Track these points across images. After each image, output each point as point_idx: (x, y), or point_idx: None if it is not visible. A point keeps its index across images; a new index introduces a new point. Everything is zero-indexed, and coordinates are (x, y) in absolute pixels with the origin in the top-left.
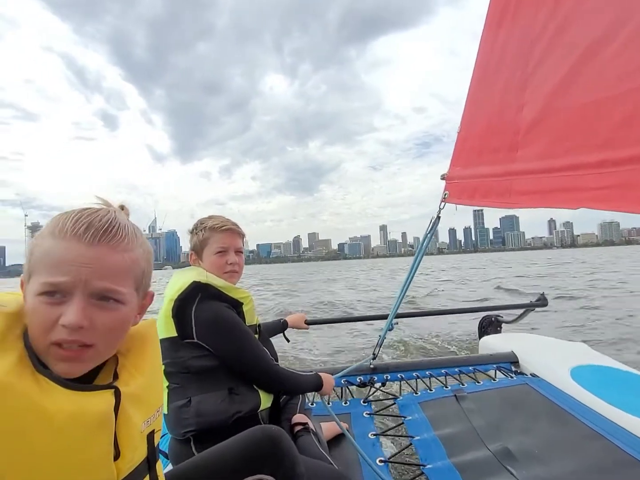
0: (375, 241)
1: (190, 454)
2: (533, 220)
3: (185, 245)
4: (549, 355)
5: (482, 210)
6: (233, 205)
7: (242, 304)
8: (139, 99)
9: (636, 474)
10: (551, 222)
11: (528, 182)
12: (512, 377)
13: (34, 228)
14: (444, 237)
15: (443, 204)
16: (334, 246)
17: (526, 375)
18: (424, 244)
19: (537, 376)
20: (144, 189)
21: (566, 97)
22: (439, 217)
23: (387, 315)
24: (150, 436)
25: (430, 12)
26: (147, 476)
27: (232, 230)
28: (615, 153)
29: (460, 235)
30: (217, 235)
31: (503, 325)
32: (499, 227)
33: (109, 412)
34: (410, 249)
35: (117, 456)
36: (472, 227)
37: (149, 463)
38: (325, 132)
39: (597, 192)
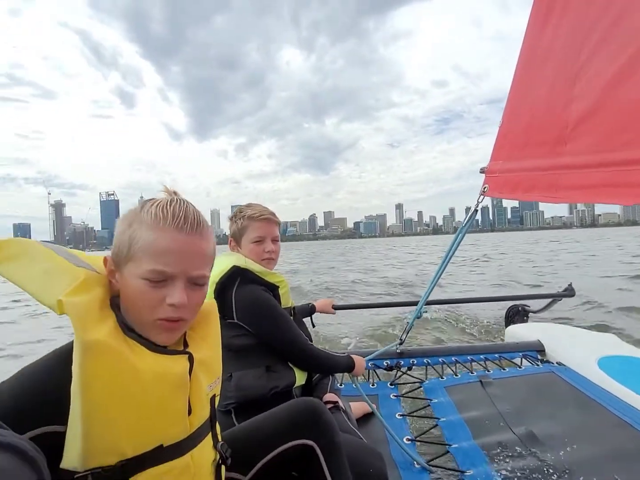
0: (391, 220)
1: (231, 423)
2: None
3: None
4: (577, 345)
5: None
6: (249, 184)
7: (278, 287)
8: (156, 76)
9: None
10: None
11: (577, 177)
12: (538, 365)
13: (57, 206)
14: (461, 217)
15: (482, 197)
16: (350, 225)
17: (552, 363)
18: (459, 238)
19: (564, 365)
20: (161, 167)
21: (624, 89)
22: (476, 211)
23: (416, 302)
24: (212, 399)
25: None
26: (210, 433)
27: (269, 220)
28: None
29: (477, 214)
30: (255, 224)
31: (530, 314)
32: (517, 206)
33: (186, 374)
34: (426, 227)
35: (189, 412)
36: (490, 206)
37: (212, 422)
38: (342, 108)
39: None
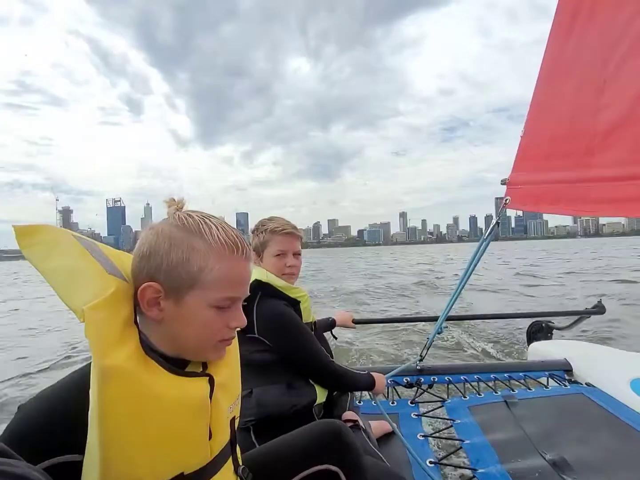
0: (395, 228)
1: (250, 442)
2: None
3: None
4: (606, 365)
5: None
6: (254, 191)
7: (300, 302)
8: (163, 84)
9: None
10: None
11: (608, 189)
12: (566, 386)
13: (64, 212)
14: (464, 225)
15: (504, 209)
16: (354, 233)
17: (581, 384)
18: (481, 250)
19: (593, 386)
20: (168, 173)
21: None
22: (498, 223)
23: (437, 317)
24: (232, 421)
25: None
26: (231, 457)
27: (292, 234)
28: None
29: (481, 223)
30: (278, 237)
31: (554, 331)
32: (521, 215)
33: (206, 398)
34: (430, 236)
35: (209, 437)
36: (494, 214)
37: (232, 446)
38: (349, 117)
39: None
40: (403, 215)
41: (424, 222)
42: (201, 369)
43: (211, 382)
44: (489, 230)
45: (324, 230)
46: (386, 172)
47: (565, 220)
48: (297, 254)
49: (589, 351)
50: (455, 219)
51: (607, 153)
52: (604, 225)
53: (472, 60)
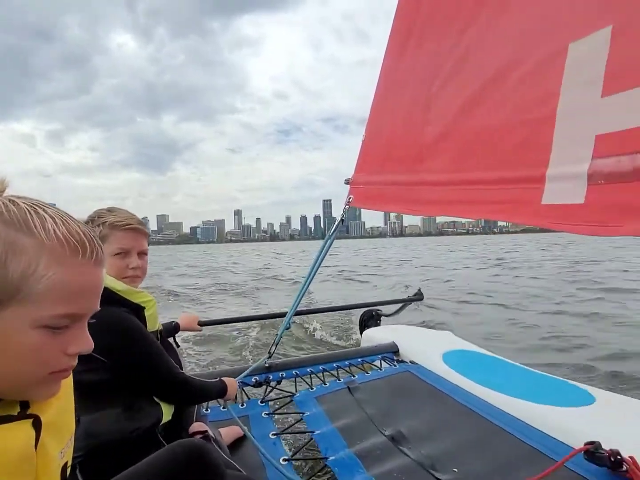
0: (230, 225)
1: None
2: (373, 211)
3: None
4: (423, 343)
5: (330, 200)
6: (63, 178)
7: (144, 308)
8: None
9: (504, 441)
10: (386, 214)
11: (434, 192)
12: (395, 366)
13: None
14: (296, 224)
15: (347, 207)
16: (186, 230)
17: (407, 362)
18: (326, 246)
19: (416, 363)
20: None
21: (468, 119)
22: (342, 220)
23: (284, 313)
24: (64, 470)
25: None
26: None
27: (136, 230)
28: (509, 173)
29: (310, 223)
30: (119, 233)
31: (382, 318)
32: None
33: (30, 448)
34: (264, 234)
35: None
36: (322, 215)
37: None
38: (183, 107)
39: (494, 205)
40: (238, 213)
41: (258, 220)
42: (19, 409)
43: (36, 424)
44: (334, 227)
45: (153, 226)
46: (221, 168)
47: (378, 222)
48: (142, 254)
49: (410, 333)
50: (288, 218)
51: (433, 161)
52: (407, 227)
53: (305, 69)
